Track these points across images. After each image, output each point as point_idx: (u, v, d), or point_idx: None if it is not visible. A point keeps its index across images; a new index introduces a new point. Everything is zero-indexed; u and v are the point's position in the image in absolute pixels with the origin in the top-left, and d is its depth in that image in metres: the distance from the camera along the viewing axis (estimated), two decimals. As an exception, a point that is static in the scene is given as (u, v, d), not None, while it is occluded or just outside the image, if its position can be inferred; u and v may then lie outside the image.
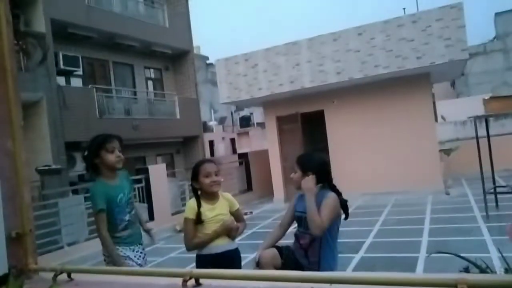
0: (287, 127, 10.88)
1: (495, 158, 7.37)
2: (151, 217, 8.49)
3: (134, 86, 15.84)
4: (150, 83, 16.94)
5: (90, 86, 13.05)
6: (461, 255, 1.88)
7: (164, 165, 9.58)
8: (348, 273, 1.50)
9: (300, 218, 2.95)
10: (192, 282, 1.60)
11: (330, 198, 2.80)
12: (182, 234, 2.98)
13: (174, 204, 9.28)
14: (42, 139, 10.64)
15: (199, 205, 2.84)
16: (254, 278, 1.68)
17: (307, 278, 1.68)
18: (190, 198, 3.20)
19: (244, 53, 10.60)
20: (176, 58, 17.40)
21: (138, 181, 8.55)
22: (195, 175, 2.87)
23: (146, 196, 8.63)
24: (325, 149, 10.46)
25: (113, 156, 2.83)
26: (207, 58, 31.96)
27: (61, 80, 12.40)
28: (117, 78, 15.21)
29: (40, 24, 11.04)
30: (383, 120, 10.13)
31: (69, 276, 1.88)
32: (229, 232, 2.83)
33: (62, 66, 12.03)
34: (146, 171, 8.91)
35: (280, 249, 2.89)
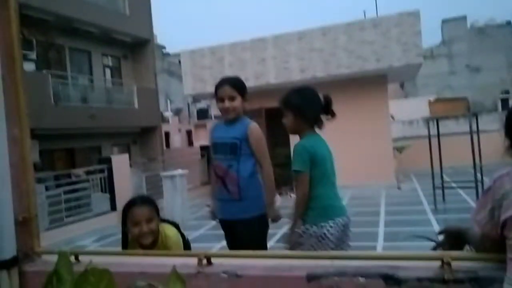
0: (251, 122, 11.04)
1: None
2: (113, 207, 8.39)
3: (91, 74, 15.33)
4: (108, 71, 16.46)
5: (44, 71, 12.50)
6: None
7: (127, 156, 9.48)
8: (348, 251, 1.68)
9: (215, 144, 2.78)
10: (205, 261, 1.77)
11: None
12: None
13: (136, 194, 9.22)
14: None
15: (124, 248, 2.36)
16: (262, 256, 1.87)
17: (310, 255, 1.89)
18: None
19: (210, 46, 10.66)
20: (135, 47, 17.00)
21: (100, 171, 8.41)
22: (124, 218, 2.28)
23: (108, 186, 8.51)
24: (287, 143, 10.79)
25: None
26: (164, 48, 31.38)
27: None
28: (73, 65, 14.65)
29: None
30: (342, 117, 10.48)
31: (76, 258, 1.96)
32: None
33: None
34: (107, 161, 8.77)
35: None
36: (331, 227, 2.34)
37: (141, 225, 2.16)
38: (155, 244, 2.25)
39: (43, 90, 11.84)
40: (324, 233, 2.33)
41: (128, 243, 2.32)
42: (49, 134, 12.26)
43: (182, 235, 2.39)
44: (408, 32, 8.96)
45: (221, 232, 2.89)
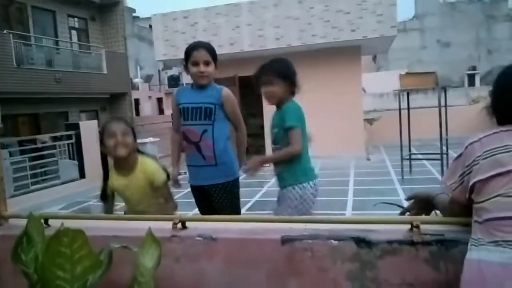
0: (225, 90, 10.90)
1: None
2: (82, 175, 8.21)
3: (56, 35, 14.59)
4: (74, 33, 15.70)
5: (5, 31, 11.79)
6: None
7: (95, 122, 9.21)
8: (322, 216, 1.74)
9: (185, 109, 2.68)
10: (180, 225, 1.76)
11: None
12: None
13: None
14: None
15: (106, 177, 2.41)
16: (237, 220, 1.88)
17: (284, 219, 1.91)
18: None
19: (183, 9, 10.31)
20: (103, 8, 16.23)
21: (68, 137, 8.17)
22: (101, 137, 2.35)
23: (77, 153, 8.30)
24: (260, 113, 10.77)
25: None
26: (134, 11, 30.16)
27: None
28: (36, 25, 13.87)
29: None
30: (314, 87, 10.56)
31: (46, 222, 1.91)
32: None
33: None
34: (75, 127, 8.51)
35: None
36: (311, 187, 2.50)
37: (116, 136, 2.25)
38: (132, 170, 2.34)
39: (4, 51, 11.23)
40: (307, 194, 2.47)
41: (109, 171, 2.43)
42: (11, 98, 11.73)
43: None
44: (384, 3, 8.96)
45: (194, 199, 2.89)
